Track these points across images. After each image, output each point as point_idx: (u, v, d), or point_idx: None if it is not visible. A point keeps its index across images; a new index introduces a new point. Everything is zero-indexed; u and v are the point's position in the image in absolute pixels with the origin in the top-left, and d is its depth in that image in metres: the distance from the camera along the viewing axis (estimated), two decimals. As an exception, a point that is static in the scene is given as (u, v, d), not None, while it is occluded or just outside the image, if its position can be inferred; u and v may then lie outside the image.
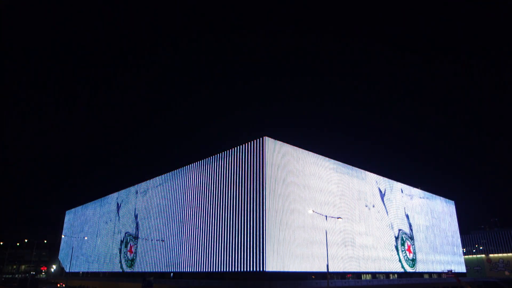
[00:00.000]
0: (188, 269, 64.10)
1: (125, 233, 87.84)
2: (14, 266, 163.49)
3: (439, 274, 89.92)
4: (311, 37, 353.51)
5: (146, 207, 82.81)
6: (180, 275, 66.17)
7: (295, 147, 61.82)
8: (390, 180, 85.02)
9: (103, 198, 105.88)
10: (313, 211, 57.97)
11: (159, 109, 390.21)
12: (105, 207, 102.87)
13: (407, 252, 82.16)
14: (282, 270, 51.75)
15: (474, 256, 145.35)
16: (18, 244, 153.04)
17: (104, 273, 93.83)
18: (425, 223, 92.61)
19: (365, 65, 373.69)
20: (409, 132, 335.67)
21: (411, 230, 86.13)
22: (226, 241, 56.69)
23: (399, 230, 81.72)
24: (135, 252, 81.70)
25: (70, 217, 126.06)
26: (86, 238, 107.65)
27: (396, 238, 79.98)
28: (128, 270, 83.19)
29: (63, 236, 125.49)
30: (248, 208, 54.47)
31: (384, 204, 79.77)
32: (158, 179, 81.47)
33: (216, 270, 57.29)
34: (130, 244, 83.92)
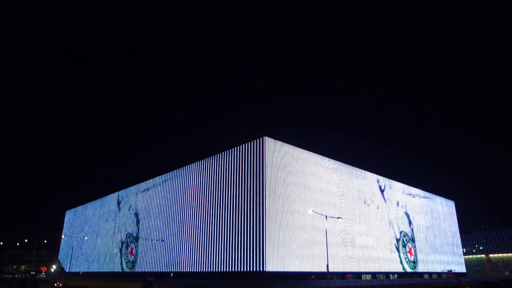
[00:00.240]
0: (188, 269, 64.09)
1: (126, 235, 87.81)
2: (14, 266, 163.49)
3: (439, 274, 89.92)
4: (311, 37, 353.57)
5: (146, 207, 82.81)
6: (180, 275, 66.16)
7: (295, 147, 61.82)
8: (390, 180, 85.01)
9: (103, 198, 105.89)
10: (313, 211, 57.98)
11: (159, 109, 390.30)
12: (105, 207, 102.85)
13: (409, 254, 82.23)
14: (282, 270, 51.75)
15: (474, 256, 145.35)
16: (18, 244, 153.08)
17: (104, 273, 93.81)
18: (425, 223, 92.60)
19: (365, 65, 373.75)
20: (409, 132, 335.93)
21: (412, 231, 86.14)
22: (226, 241, 56.69)
23: (401, 232, 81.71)
24: (136, 254, 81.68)
25: (70, 217, 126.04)
26: (86, 238, 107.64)
27: (398, 240, 80.00)
28: (128, 270, 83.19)
29: (63, 236, 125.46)
30: (248, 208, 54.46)
31: (384, 203, 79.76)
32: (158, 179, 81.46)
33: (216, 270, 57.29)
34: (131, 247, 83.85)
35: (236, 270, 53.56)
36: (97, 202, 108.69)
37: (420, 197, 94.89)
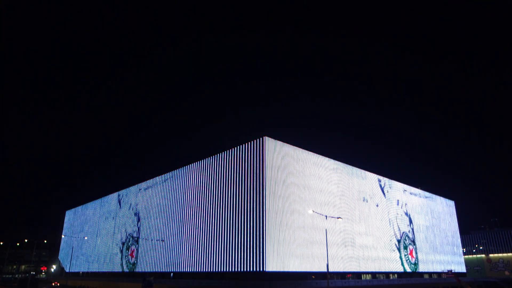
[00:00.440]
0: (188, 269, 64.10)
1: (126, 237, 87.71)
2: (14, 266, 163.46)
3: (439, 274, 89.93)
4: (311, 37, 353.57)
5: (146, 207, 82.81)
6: (180, 275, 66.16)
7: (295, 147, 61.82)
8: (390, 180, 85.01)
9: (103, 198, 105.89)
10: (313, 211, 57.98)
11: (159, 109, 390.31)
12: (105, 206, 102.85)
13: (410, 257, 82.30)
14: (282, 270, 51.76)
15: (474, 256, 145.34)
16: (18, 244, 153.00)
17: (104, 273, 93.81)
18: (425, 223, 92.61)
19: (365, 65, 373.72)
20: (409, 132, 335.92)
21: (413, 231, 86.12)
22: (226, 241, 56.69)
23: (402, 234, 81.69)
24: (136, 256, 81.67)
25: (70, 217, 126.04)
26: (86, 238, 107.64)
27: (399, 241, 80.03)
28: (128, 270, 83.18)
29: (63, 236, 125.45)
30: (248, 208, 54.46)
31: (384, 203, 79.77)
32: (158, 179, 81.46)
33: (216, 270, 57.29)
34: (132, 249, 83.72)
35: (236, 270, 53.57)
36: (97, 202, 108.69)
37: (420, 197, 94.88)
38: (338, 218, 61.98)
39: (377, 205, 77.13)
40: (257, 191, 54.03)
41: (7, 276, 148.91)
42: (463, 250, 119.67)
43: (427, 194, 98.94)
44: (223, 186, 60.98)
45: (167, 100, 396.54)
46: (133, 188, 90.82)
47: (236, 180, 58.72)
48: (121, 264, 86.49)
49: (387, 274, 74.73)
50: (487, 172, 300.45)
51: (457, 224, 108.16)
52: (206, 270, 59.49)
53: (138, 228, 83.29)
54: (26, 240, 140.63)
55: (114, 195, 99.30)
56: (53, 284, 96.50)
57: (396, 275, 76.66)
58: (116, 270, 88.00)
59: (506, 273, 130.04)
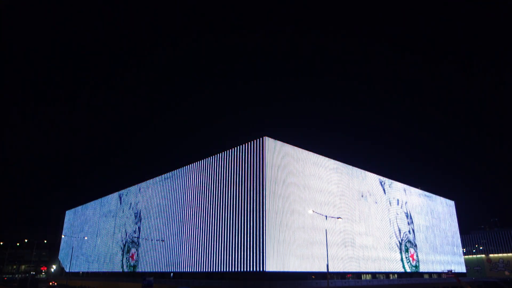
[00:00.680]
0: (188, 269, 64.10)
1: (127, 239, 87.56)
2: (14, 266, 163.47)
3: (439, 274, 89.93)
4: (311, 37, 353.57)
5: (146, 207, 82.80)
6: (180, 275, 66.16)
7: (295, 147, 61.82)
8: (390, 180, 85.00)
9: (103, 198, 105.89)
10: (313, 211, 57.97)
11: (159, 109, 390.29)
12: (105, 206, 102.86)
13: (411, 259, 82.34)
14: (282, 270, 51.75)
15: (474, 256, 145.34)
16: (18, 244, 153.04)
17: (104, 273, 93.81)
18: (425, 223, 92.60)
19: (365, 65, 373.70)
20: (409, 132, 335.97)
21: (413, 231, 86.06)
22: (226, 241, 56.69)
23: (402, 237, 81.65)
24: (137, 259, 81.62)
25: (70, 217, 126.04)
26: (86, 238, 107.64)
27: (400, 243, 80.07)
28: (127, 268, 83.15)
29: (63, 236, 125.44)
30: (248, 208, 54.46)
31: (384, 203, 79.75)
32: (158, 179, 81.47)
33: (216, 270, 57.29)
34: (132, 252, 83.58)
35: (236, 270, 53.57)
36: (97, 202, 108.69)
37: (420, 197, 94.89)
38: (338, 218, 61.97)
39: (376, 202, 76.97)
40: (257, 191, 54.02)
41: (7, 276, 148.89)
42: (463, 250, 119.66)
43: (427, 194, 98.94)
44: (223, 186, 60.97)
45: (167, 100, 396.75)
46: (133, 188, 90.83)
47: (236, 180, 58.72)
48: (122, 266, 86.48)
49: (387, 274, 74.73)
50: (487, 172, 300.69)
51: (457, 224, 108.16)
52: (206, 270, 59.49)
53: (138, 228, 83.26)
54: (26, 240, 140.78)
55: (114, 195, 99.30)
56: (50, 284, 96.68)
57: (396, 275, 76.65)
58: (116, 270, 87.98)
59: (506, 273, 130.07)
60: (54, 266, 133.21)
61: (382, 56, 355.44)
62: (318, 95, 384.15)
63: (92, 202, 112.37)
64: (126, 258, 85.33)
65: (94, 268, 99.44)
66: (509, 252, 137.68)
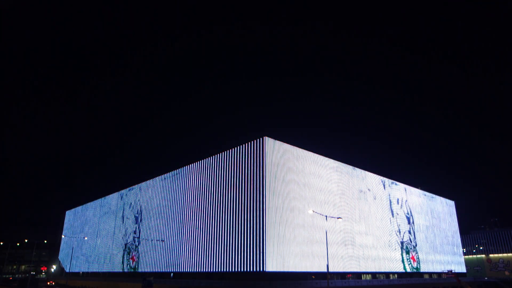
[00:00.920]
0: (188, 269, 64.11)
1: (127, 242, 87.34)
2: (14, 266, 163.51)
3: (439, 274, 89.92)
4: (311, 37, 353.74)
5: (146, 207, 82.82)
6: (180, 275, 66.17)
7: (295, 147, 61.85)
8: (390, 180, 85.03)
9: (103, 198, 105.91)
10: (313, 211, 57.99)
11: (159, 109, 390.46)
12: (105, 207, 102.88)
13: (412, 261, 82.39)
14: (282, 270, 51.77)
15: (474, 256, 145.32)
16: (18, 244, 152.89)
17: (104, 273, 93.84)
18: (425, 223, 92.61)
19: (365, 64, 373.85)
20: (409, 132, 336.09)
21: (414, 232, 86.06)
22: (226, 241, 56.70)
23: (403, 233, 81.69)
24: (137, 262, 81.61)
25: (70, 217, 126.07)
26: (86, 238, 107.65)
27: (402, 243, 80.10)
28: (128, 270, 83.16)
29: (63, 236, 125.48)
30: (248, 209, 54.49)
31: (384, 203, 79.75)
32: (158, 179, 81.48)
33: (216, 270, 57.30)
34: (133, 254, 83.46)
35: (236, 270, 53.58)
36: (97, 202, 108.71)
37: (420, 197, 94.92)
38: (338, 218, 61.96)
39: (374, 198, 76.90)
40: (257, 192, 54.05)
41: (7, 276, 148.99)
42: (463, 250, 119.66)
43: (427, 194, 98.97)
44: (223, 187, 60.99)
45: (167, 100, 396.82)
46: (133, 188, 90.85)
47: (236, 180, 58.74)
48: (122, 266, 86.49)
49: (387, 274, 74.73)
50: (487, 172, 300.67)
51: (457, 224, 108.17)
52: (206, 270, 59.50)
53: (139, 229, 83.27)
54: (26, 240, 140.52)
55: (114, 195, 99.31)
56: (48, 283, 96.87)
57: (396, 275, 76.65)
58: (116, 270, 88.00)
59: (506, 273, 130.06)
60: (54, 266, 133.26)
61: (382, 56, 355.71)
62: (318, 95, 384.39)
63: (92, 202, 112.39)
64: (127, 259, 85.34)
65: (94, 268, 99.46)
66: (509, 252, 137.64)
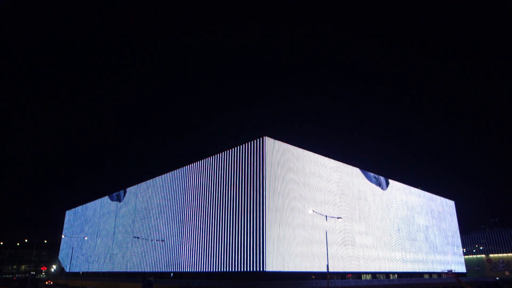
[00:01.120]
0: (188, 269, 64.11)
1: (126, 241, 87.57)
2: (14, 266, 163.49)
3: (439, 274, 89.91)
4: (311, 37, 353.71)
5: (146, 207, 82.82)
6: (180, 275, 66.17)
7: (295, 147, 61.85)
8: (390, 180, 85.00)
9: (103, 198, 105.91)
10: (313, 211, 57.99)
11: (159, 109, 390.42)
12: (105, 207, 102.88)
13: (411, 260, 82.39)
14: (282, 270, 51.76)
15: (474, 256, 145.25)
16: (18, 244, 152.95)
17: (104, 273, 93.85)
18: (425, 223, 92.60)
19: (365, 64, 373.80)
20: (409, 132, 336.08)
21: (414, 233, 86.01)
22: (226, 241, 56.70)
23: (403, 233, 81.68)
24: (137, 259, 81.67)
25: (70, 217, 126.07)
26: (86, 238, 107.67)
27: (401, 243, 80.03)
28: (128, 270, 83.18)
29: (63, 236, 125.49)
30: (248, 209, 54.49)
31: (384, 203, 79.72)
32: (158, 179, 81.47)
33: (216, 270, 57.30)
34: (133, 254, 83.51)
35: (236, 270, 53.58)
36: (97, 202, 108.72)
37: (420, 197, 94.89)
38: (338, 218, 61.94)
39: (377, 207, 77.10)
40: (257, 192, 54.05)
41: (7, 276, 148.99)
42: (463, 250, 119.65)
43: (427, 194, 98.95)
44: (223, 187, 60.99)
45: (167, 100, 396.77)
46: (133, 188, 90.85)
47: (236, 180, 58.74)
48: (122, 266, 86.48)
49: (387, 274, 74.71)
50: (487, 172, 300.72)
51: (457, 224, 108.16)
52: (206, 270, 59.50)
53: (139, 228, 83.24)
54: (26, 240, 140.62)
55: (114, 196, 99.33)
56: (46, 283, 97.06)
57: (396, 275, 76.64)
58: (116, 270, 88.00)
59: (506, 273, 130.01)
60: (54, 266, 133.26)
61: (382, 56, 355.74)
62: (318, 95, 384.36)
63: (92, 202, 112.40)
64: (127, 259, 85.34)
65: (94, 268, 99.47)
66: (509, 252, 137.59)
